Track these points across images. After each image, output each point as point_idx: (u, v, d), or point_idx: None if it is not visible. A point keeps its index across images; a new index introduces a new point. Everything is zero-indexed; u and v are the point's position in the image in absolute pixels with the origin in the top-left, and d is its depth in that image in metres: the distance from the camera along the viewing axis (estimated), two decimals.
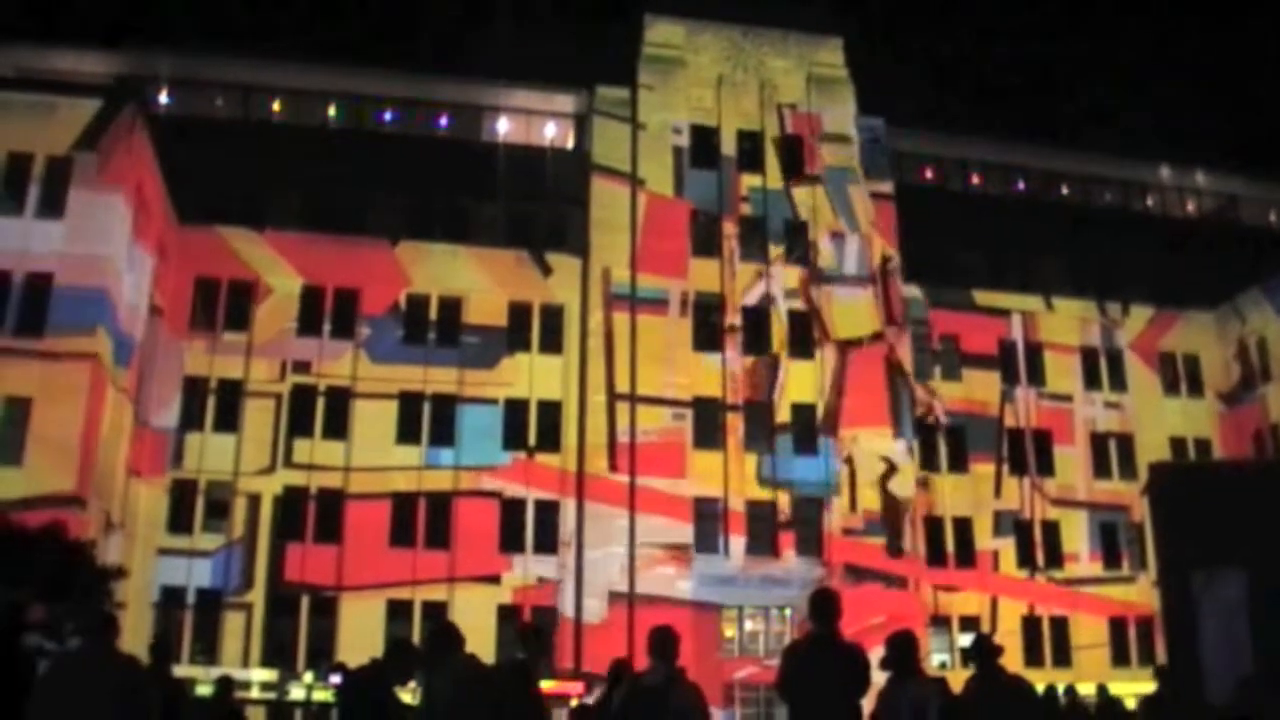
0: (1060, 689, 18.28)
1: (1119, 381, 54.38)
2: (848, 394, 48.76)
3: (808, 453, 47.99)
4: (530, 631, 10.38)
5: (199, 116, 49.73)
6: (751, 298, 49.74)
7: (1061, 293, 54.42)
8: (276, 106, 51.85)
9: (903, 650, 9.63)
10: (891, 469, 48.05)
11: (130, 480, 42.33)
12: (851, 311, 49.95)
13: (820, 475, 47.56)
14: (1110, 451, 53.13)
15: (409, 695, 9.71)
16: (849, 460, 47.84)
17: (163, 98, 49.84)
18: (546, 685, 42.55)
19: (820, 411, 48.63)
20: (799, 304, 49.92)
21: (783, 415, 48.30)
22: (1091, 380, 54.05)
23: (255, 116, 51.22)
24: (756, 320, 49.53)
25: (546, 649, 10.01)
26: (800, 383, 48.85)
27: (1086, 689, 22.37)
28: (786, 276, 50.24)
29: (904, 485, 48.05)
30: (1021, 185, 59.38)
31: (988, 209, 55.04)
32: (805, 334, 49.60)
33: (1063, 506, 51.68)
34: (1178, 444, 53.49)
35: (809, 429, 48.37)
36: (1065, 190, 59.85)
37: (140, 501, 43.53)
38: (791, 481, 47.28)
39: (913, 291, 51.81)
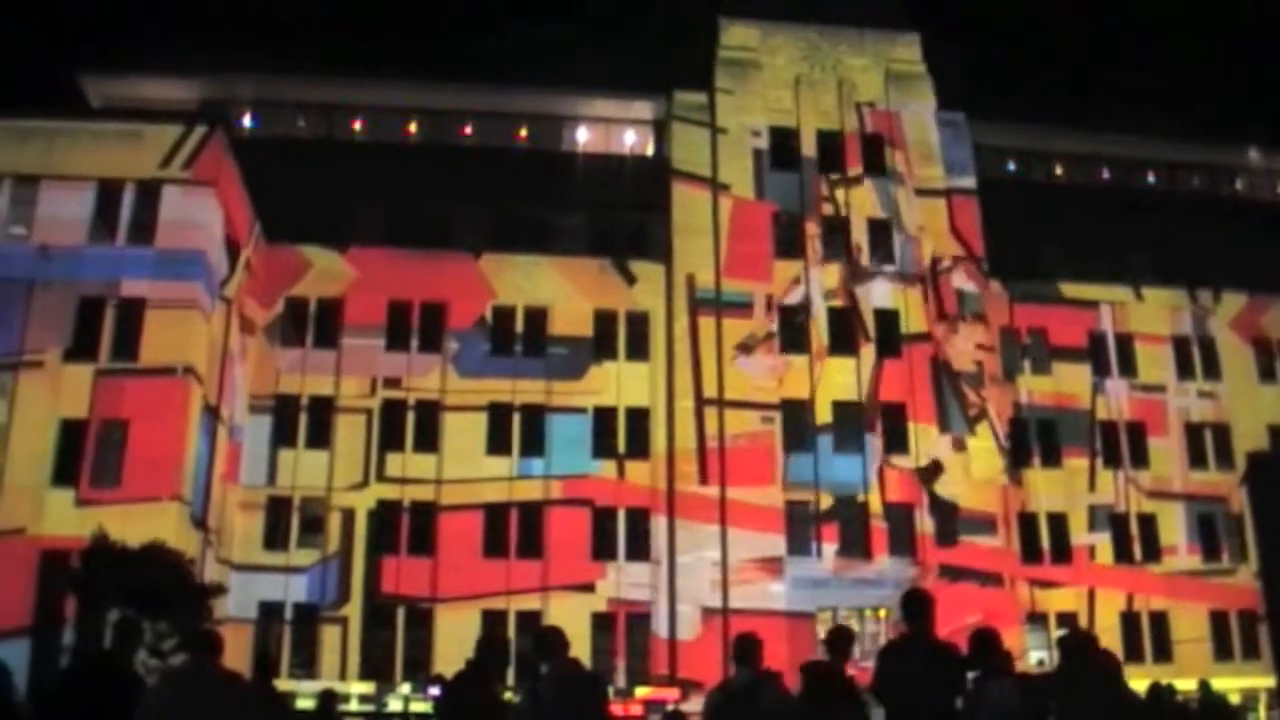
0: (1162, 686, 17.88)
1: (1213, 370, 53.46)
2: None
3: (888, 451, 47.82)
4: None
5: (282, 137, 50.49)
6: (832, 297, 49.60)
7: (1151, 282, 53.54)
8: (357, 125, 52.50)
9: (983, 648, 9.55)
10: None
11: (226, 498, 42.97)
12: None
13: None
14: (1206, 441, 52.27)
15: (510, 694, 9.79)
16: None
17: (246, 120, 50.68)
18: (641, 691, 42.83)
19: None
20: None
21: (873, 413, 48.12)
22: (1184, 370, 53.18)
23: (337, 135, 51.91)
24: (840, 320, 49.34)
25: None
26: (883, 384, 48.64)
27: (1188, 685, 22.03)
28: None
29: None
30: (1106, 174, 58.67)
31: (1072, 200, 54.41)
32: (891, 333, 49.32)
33: (1159, 499, 50.92)
34: (1276, 432, 52.38)
35: (895, 431, 48.17)
36: (1151, 178, 59.06)
37: (236, 518, 44.19)
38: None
39: (995, 287, 51.34)
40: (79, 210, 39.61)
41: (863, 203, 51.10)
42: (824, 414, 47.78)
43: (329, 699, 15.08)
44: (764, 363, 48.29)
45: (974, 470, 47.62)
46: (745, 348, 48.27)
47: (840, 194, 51.09)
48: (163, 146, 40.76)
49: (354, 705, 41.13)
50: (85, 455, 37.25)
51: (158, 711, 7.92)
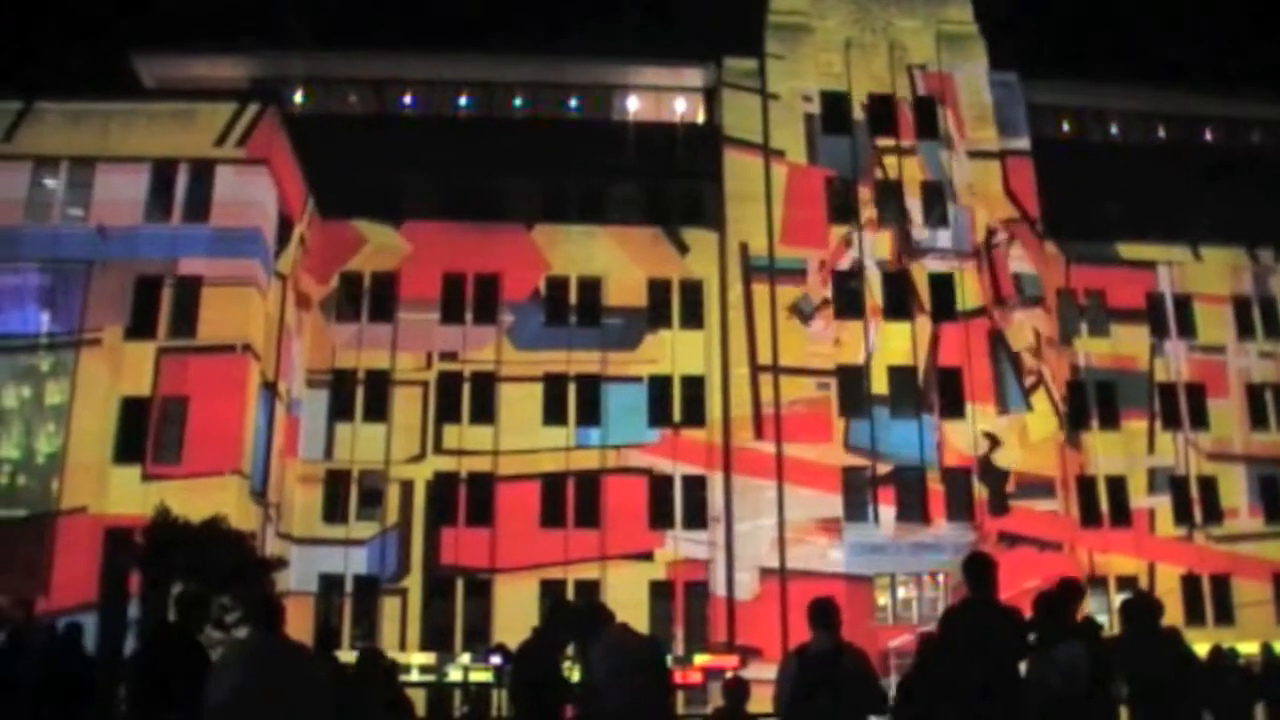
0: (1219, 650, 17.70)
1: (1274, 330, 52.75)
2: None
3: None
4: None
5: (333, 113, 50.74)
6: (886, 264, 49.37)
7: (1209, 241, 52.86)
8: (408, 99, 52.54)
9: (1050, 608, 9.51)
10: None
11: (285, 472, 43.37)
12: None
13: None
14: (1267, 402, 51.69)
15: (574, 671, 9.83)
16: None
17: (297, 97, 50.80)
18: (700, 659, 42.97)
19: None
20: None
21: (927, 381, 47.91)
22: (1245, 330, 52.56)
23: (388, 110, 52.01)
24: (896, 285, 49.10)
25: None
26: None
27: (1250, 647, 21.84)
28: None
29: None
30: (1162, 132, 57.78)
31: (1129, 159, 53.59)
32: (947, 298, 49.04)
33: (1219, 461, 50.43)
34: None
35: (951, 397, 47.93)
36: (1209, 135, 58.14)
37: (295, 492, 44.60)
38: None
39: (1051, 249, 50.86)
40: (135, 190, 40.03)
41: (916, 166, 50.72)
42: (880, 379, 47.62)
43: (371, 656, 14.75)
44: (821, 328, 48.09)
45: (1030, 435, 47.30)
46: (801, 313, 48.07)
47: (893, 158, 50.73)
48: (216, 125, 41.15)
49: (415, 675, 41.47)
50: (147, 432, 37.75)
51: (227, 682, 8.00)
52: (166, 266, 39.45)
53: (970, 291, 49.03)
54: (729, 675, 32.95)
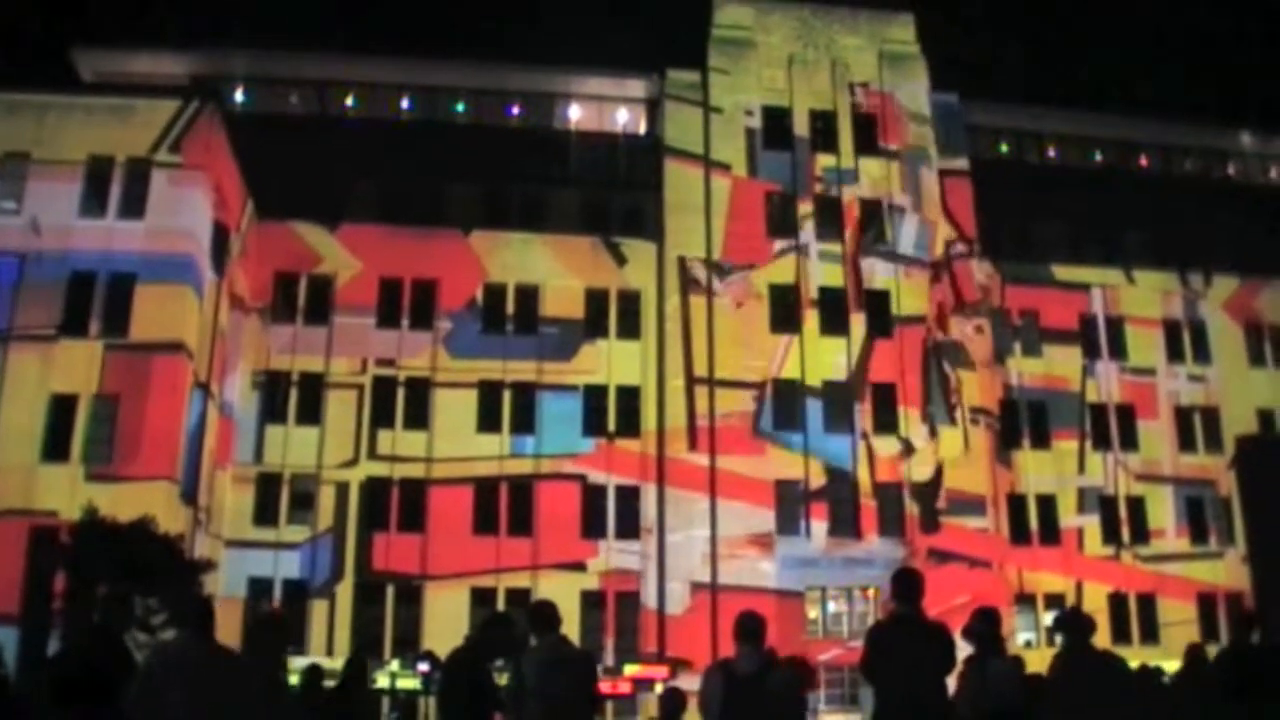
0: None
1: (1203, 353, 53.55)
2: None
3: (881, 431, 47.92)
4: None
5: (274, 113, 50.30)
6: (822, 277, 49.60)
7: (1142, 265, 53.58)
8: (350, 101, 52.21)
9: (990, 625, 9.60)
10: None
11: (216, 474, 42.92)
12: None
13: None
14: (1195, 425, 52.39)
15: (502, 678, 9.78)
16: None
17: (238, 96, 50.36)
18: (630, 669, 42.91)
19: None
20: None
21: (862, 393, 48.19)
22: (1175, 353, 53.27)
23: (329, 111, 51.65)
24: (833, 300, 49.31)
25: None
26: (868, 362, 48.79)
27: (1175, 667, 22.05)
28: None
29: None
30: (1099, 157, 58.51)
31: (1065, 182, 54.20)
32: (883, 313, 49.33)
33: (1148, 482, 51.05)
34: (1265, 416, 52.49)
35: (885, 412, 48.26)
36: (1144, 160, 58.91)
37: (227, 494, 44.15)
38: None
39: (987, 268, 51.33)
40: (70, 186, 39.43)
41: (856, 183, 50.99)
42: (814, 394, 47.80)
43: (314, 674, 14.95)
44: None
45: (947, 451, 47.69)
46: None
47: (832, 173, 50.99)
48: (155, 122, 40.64)
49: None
50: (76, 431, 37.18)
51: (156, 686, 7.89)
52: (100, 263, 38.87)
53: (909, 305, 49.37)
54: (663, 687, 32.98)
